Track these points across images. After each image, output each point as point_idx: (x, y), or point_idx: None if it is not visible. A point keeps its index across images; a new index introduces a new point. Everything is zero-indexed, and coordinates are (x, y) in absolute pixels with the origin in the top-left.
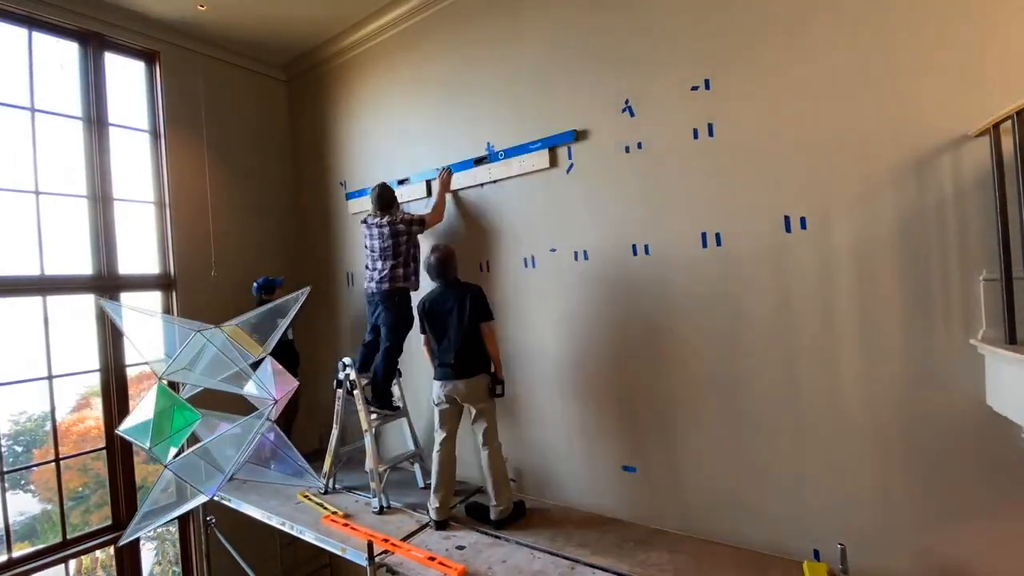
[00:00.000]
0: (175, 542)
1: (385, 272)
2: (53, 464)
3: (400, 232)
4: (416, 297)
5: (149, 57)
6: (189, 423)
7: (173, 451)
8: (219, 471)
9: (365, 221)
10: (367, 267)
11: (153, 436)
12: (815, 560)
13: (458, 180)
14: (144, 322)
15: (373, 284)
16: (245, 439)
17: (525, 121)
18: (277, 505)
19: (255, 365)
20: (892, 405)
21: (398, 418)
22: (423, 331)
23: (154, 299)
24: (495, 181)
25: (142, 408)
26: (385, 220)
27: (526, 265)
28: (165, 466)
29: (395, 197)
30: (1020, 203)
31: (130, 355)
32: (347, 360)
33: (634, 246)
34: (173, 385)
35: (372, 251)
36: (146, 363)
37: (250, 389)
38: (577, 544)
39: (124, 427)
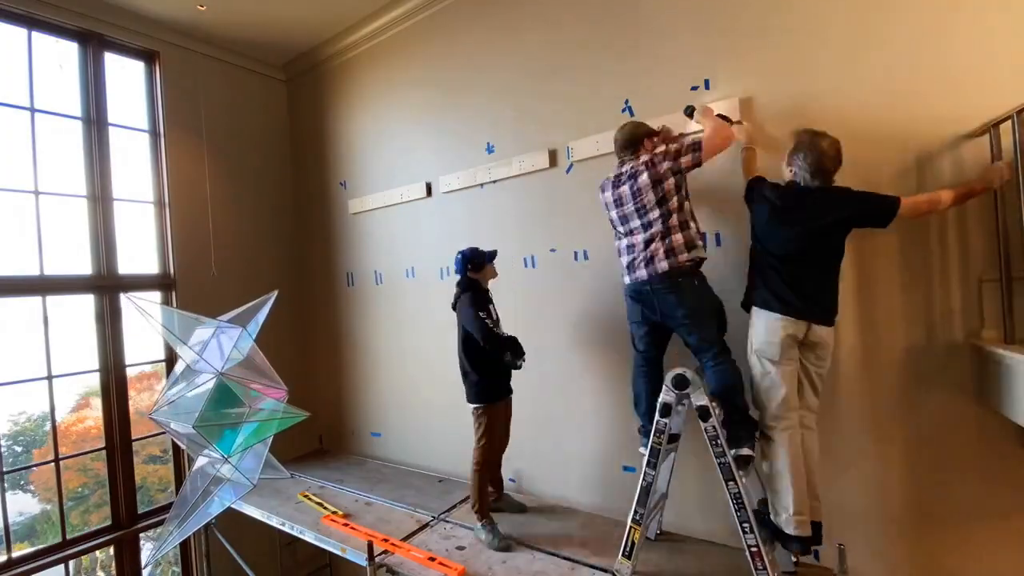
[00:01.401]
0: None
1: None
2: (53, 464)
3: (660, 174)
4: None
5: (149, 57)
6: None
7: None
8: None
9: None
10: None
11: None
12: (815, 561)
13: (458, 180)
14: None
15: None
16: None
17: (525, 121)
18: (277, 505)
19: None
20: (892, 404)
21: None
22: None
23: (154, 299)
24: (495, 181)
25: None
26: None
27: (526, 265)
28: (226, 459)
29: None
30: (1020, 203)
31: (130, 355)
32: (687, 373)
33: None
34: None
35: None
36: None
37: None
38: (577, 544)
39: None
